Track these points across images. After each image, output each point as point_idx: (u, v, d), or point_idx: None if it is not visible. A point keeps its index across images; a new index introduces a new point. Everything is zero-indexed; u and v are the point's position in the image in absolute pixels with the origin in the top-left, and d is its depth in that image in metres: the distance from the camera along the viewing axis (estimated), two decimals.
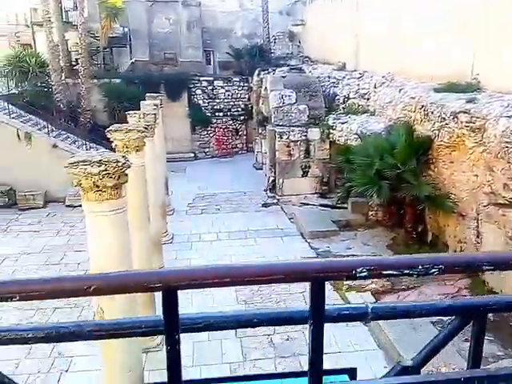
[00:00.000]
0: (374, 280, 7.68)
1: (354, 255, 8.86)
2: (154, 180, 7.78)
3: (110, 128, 5.45)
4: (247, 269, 0.78)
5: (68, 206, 12.31)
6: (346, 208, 11.28)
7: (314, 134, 12.60)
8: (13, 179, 12.43)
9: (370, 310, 0.85)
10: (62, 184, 11.70)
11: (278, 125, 12.76)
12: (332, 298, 7.39)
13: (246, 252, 9.45)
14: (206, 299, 7.26)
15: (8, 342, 0.75)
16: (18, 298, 0.69)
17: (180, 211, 12.14)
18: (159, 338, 6.15)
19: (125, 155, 3.99)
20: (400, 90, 10.52)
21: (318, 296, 0.80)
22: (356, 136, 11.10)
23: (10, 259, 9.20)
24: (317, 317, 0.80)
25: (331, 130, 12.38)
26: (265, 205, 12.64)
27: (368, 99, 12.43)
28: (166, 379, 0.81)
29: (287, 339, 6.32)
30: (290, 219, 11.40)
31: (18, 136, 12.54)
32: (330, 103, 13.36)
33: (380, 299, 7.31)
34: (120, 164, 3.73)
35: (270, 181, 13.30)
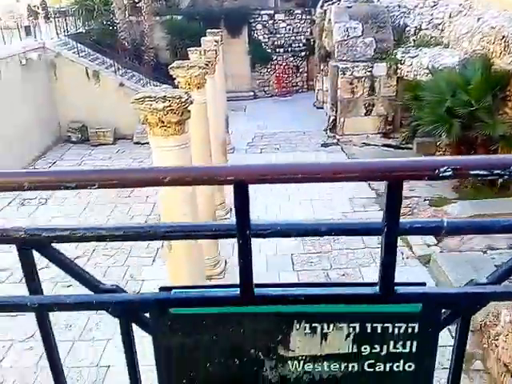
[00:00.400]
0: None
1: (416, 196, 8.66)
2: (215, 118, 7.89)
3: (173, 65, 5.53)
4: (320, 166, 0.76)
5: (136, 143, 12.89)
6: (411, 148, 10.84)
7: (380, 69, 11.94)
8: (84, 116, 13.13)
9: (445, 224, 0.81)
10: (129, 121, 12.22)
11: (341, 60, 12.19)
12: None
13: (303, 191, 9.53)
14: None
15: (87, 239, 0.83)
16: (96, 185, 0.73)
17: (240, 150, 12.31)
18: (222, 267, 6.56)
19: (187, 92, 4.08)
20: (478, 19, 9.56)
21: (394, 198, 0.75)
22: (426, 71, 10.39)
23: (85, 191, 9.97)
24: (392, 221, 0.76)
25: (399, 65, 11.65)
26: (324, 145, 12.46)
27: (442, 30, 11.44)
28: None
29: (343, 275, 6.48)
30: (350, 159, 11.22)
31: (87, 74, 13.04)
32: (399, 35, 12.46)
33: (442, 241, 7.18)
34: (183, 100, 3.82)
35: (331, 120, 12.98)
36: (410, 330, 0.87)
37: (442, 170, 0.71)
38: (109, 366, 5.04)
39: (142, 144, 12.11)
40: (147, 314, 0.89)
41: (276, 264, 6.72)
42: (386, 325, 0.87)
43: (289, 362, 0.90)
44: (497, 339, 4.84)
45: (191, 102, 3.94)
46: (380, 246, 0.80)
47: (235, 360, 0.90)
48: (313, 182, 0.75)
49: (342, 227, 0.86)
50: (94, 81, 13.06)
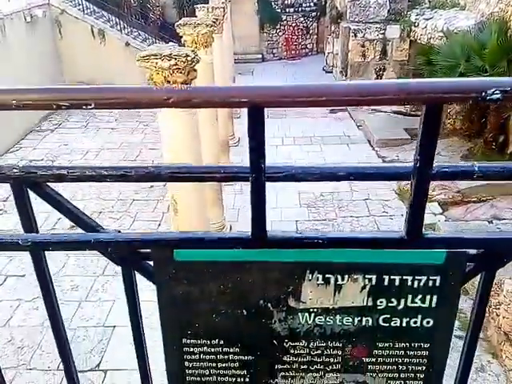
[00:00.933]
0: (443, 190, 7.44)
1: None
2: (222, 79, 7.72)
3: (179, 22, 5.36)
4: (349, 87, 0.66)
5: None
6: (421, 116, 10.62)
7: (393, 31, 11.55)
8: (90, 77, 12.90)
9: (476, 168, 0.75)
10: (134, 83, 11.97)
11: (353, 21, 11.79)
12: (394, 207, 7.35)
13: (311, 157, 9.45)
14: (269, 201, 7.55)
15: (85, 178, 0.78)
16: (93, 105, 0.66)
17: (246, 114, 12.13)
18: (227, 232, 6.59)
19: (194, 50, 3.95)
20: None
21: (432, 126, 0.67)
22: (441, 34, 10.03)
23: (92, 153, 9.95)
24: (426, 155, 0.69)
25: (413, 27, 11.25)
26: (332, 111, 12.23)
27: None
28: None
29: None
30: (358, 126, 11.04)
31: (93, 33, 12.73)
32: None
33: (447, 210, 7.14)
34: (189, 58, 3.70)
35: None
36: (430, 283, 0.82)
37: (489, 92, 0.63)
38: (114, 326, 5.16)
39: None
40: (151, 263, 0.84)
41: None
42: (404, 277, 0.81)
43: (299, 314, 0.85)
44: (498, 308, 4.87)
45: (198, 61, 3.82)
46: (409, 190, 0.75)
47: (243, 311, 0.86)
48: (340, 105, 0.67)
49: (361, 171, 0.77)
50: (99, 40, 12.76)
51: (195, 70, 3.92)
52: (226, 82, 8.96)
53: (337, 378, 0.92)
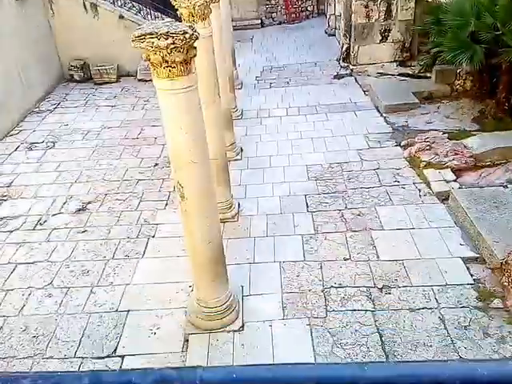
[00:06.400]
0: (456, 156, 7.22)
1: (434, 130, 8.28)
2: (221, 51, 7.40)
3: None
4: None
5: (140, 80, 12.39)
6: (429, 77, 10.24)
7: None
8: (85, 53, 12.54)
9: None
10: (132, 57, 11.64)
11: None
12: (405, 176, 7.15)
13: (317, 127, 9.18)
14: (277, 176, 7.40)
15: None
16: None
17: (248, 85, 11.79)
18: (235, 210, 6.46)
19: (191, 25, 3.69)
20: None
21: None
22: None
23: (93, 132, 9.74)
24: None
25: None
26: (337, 76, 11.84)
27: None
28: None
29: (358, 214, 6.35)
30: (364, 92, 10.67)
31: (85, 7, 12.26)
32: None
33: (461, 177, 6.94)
34: (188, 36, 3.46)
35: (344, 49, 12.22)
36: None
37: None
38: (128, 311, 5.12)
39: (147, 81, 11.64)
40: None
41: (290, 206, 6.60)
42: None
43: None
44: None
45: (197, 38, 3.58)
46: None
47: None
48: None
49: None
50: (92, 13, 12.30)
51: (195, 48, 3.69)
52: (226, 55, 8.60)
53: None
